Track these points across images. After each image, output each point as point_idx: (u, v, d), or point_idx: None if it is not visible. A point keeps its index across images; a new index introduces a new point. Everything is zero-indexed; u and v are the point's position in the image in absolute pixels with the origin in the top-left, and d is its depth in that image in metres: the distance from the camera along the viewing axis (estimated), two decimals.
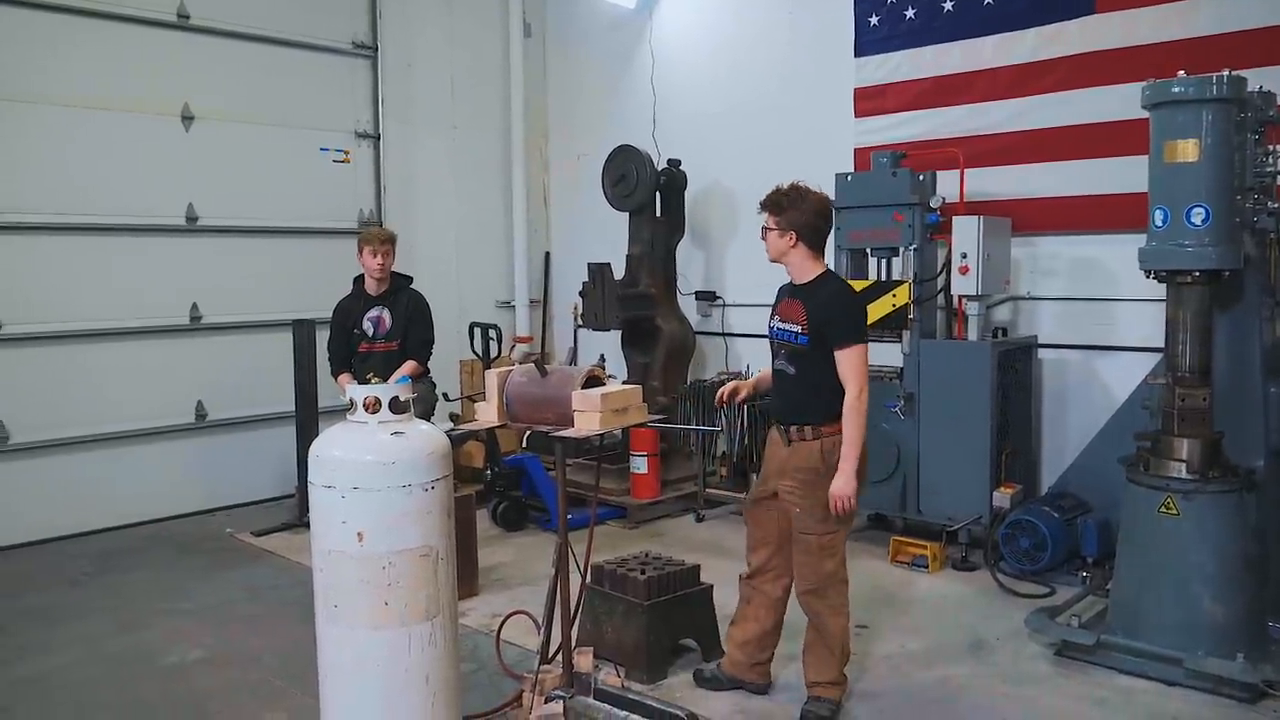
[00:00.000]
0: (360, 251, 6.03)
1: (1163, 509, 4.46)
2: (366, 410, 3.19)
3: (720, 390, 4.32)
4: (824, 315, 3.93)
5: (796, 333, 3.98)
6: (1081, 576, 5.48)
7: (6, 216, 6.64)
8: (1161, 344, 4.96)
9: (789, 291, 4.12)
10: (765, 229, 4.05)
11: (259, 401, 7.73)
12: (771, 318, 4.15)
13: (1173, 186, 4.44)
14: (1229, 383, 4.76)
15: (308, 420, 7.01)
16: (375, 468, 3.07)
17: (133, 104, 7.14)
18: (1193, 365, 4.54)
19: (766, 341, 4.22)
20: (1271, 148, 4.65)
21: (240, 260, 7.73)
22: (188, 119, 7.42)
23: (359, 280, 6.19)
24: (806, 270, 4.05)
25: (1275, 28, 5.49)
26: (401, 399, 3.24)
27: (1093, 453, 5.76)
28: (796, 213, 3.98)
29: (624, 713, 3.58)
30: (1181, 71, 4.44)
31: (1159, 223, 4.48)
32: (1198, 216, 4.36)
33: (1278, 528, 4.81)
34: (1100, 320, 6.29)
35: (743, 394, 4.30)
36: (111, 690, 4.52)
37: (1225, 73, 4.33)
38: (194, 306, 7.52)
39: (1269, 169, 4.63)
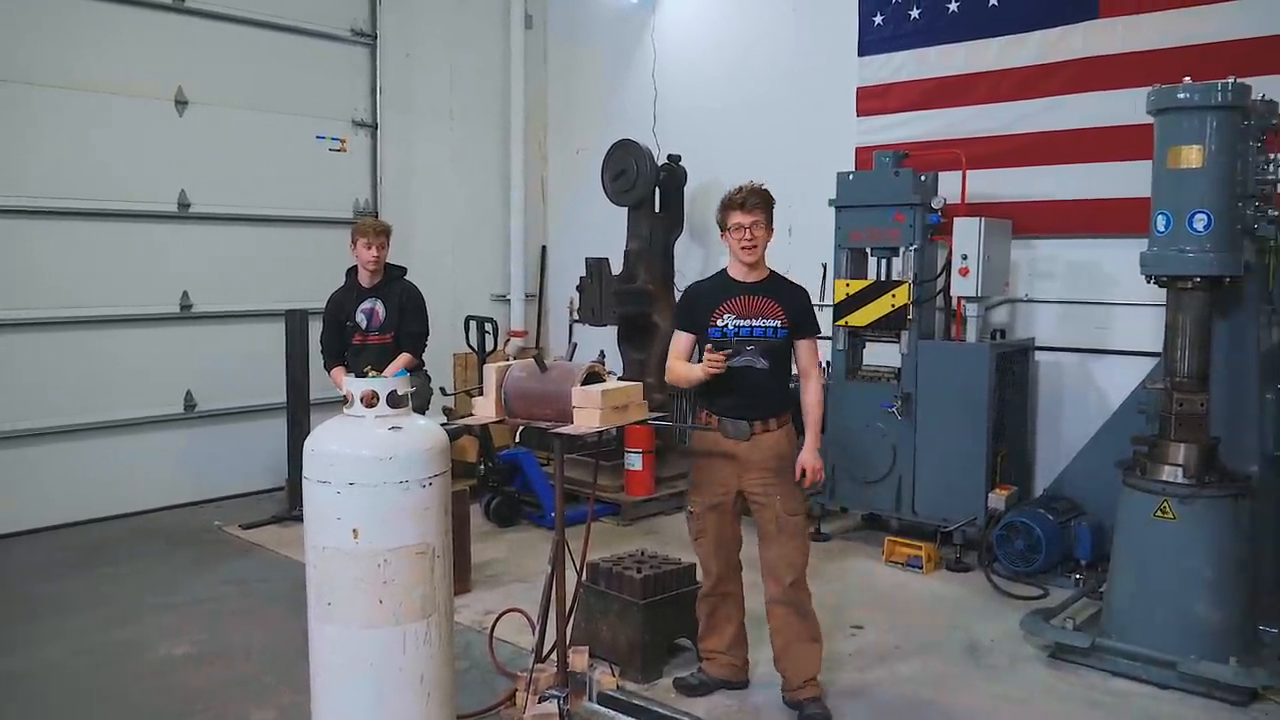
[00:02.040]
0: (354, 243, 5.96)
1: (1159, 513, 4.47)
2: (364, 404, 3.14)
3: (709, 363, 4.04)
4: (799, 308, 4.14)
5: (776, 327, 4.08)
6: (1075, 579, 5.48)
7: None
8: (1157, 349, 4.96)
9: (743, 289, 4.13)
10: (756, 226, 4.05)
11: (249, 392, 7.67)
12: (718, 317, 4.09)
13: (1176, 192, 4.44)
14: (1226, 388, 4.76)
15: (299, 412, 6.96)
16: (372, 463, 3.03)
17: (124, 87, 7.06)
18: (1191, 370, 4.54)
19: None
20: (1272, 155, 4.65)
21: (233, 248, 7.66)
22: (181, 103, 7.35)
23: (352, 272, 6.12)
24: (765, 267, 4.21)
25: (1278, 36, 5.48)
26: (399, 393, 3.20)
27: (1088, 456, 5.76)
28: (773, 210, 4.15)
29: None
30: (1187, 78, 4.43)
31: (1161, 228, 4.48)
32: (1200, 222, 4.36)
33: (1270, 532, 4.83)
34: (1097, 324, 6.29)
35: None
36: (98, 685, 4.46)
37: (1230, 80, 4.33)
38: (184, 295, 7.44)
39: (1270, 176, 4.62)
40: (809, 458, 4.08)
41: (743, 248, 4.08)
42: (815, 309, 4.28)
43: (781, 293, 4.15)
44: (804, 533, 4.17)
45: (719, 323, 4.10)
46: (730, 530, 4.22)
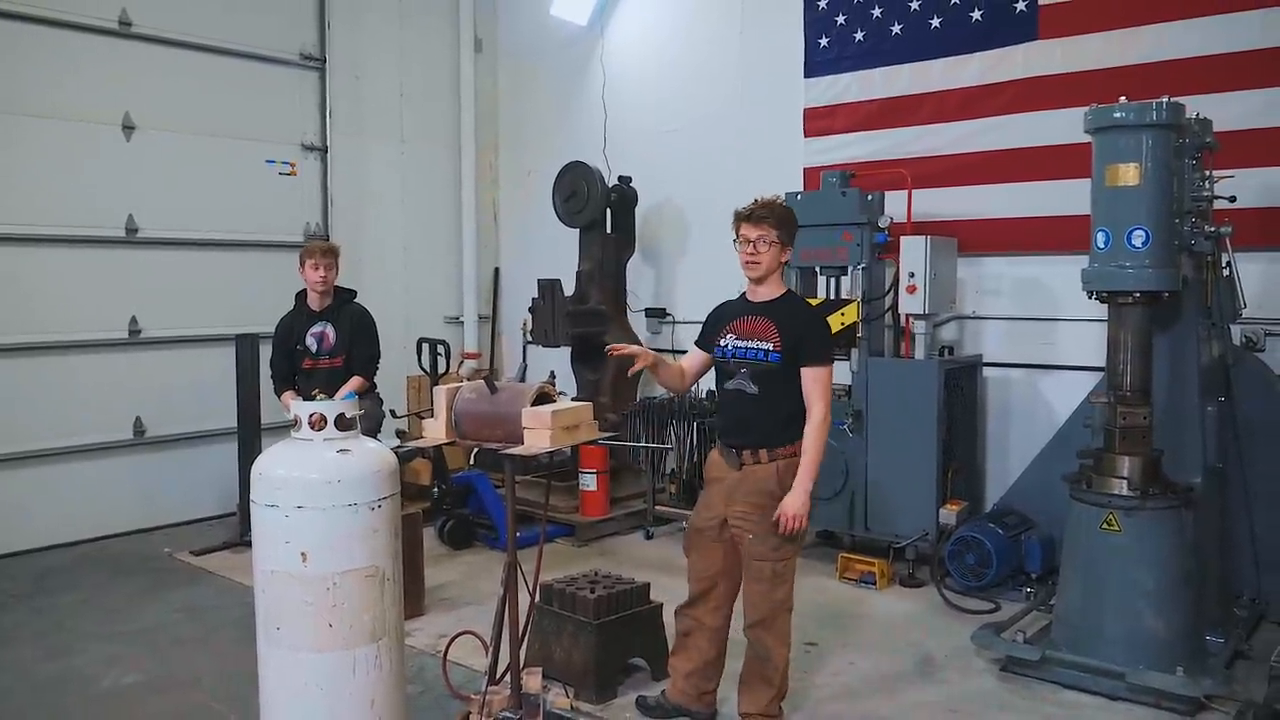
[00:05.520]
0: (302, 265, 5.92)
1: (1105, 526, 4.53)
2: (311, 427, 3.13)
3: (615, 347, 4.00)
4: (799, 334, 3.86)
5: (767, 350, 3.86)
6: (1025, 592, 5.55)
7: None
8: (1101, 363, 5.06)
9: (748, 309, 3.98)
10: (761, 241, 3.85)
11: (200, 418, 7.57)
12: (721, 336, 3.99)
13: (1114, 209, 4.53)
14: (1167, 401, 4.86)
15: (250, 437, 6.88)
16: (320, 486, 3.02)
17: (71, 112, 6.97)
18: (1134, 384, 4.62)
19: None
20: (1207, 172, 4.77)
21: (182, 273, 7.57)
22: (129, 128, 7.26)
23: (301, 295, 6.09)
24: (777, 287, 3.99)
25: (1211, 56, 5.65)
26: (347, 415, 3.19)
27: (1036, 470, 5.85)
28: (793, 228, 3.95)
29: None
30: (1123, 97, 4.54)
31: (1101, 244, 4.57)
32: (1138, 239, 4.45)
33: (1214, 543, 4.92)
34: (1042, 339, 6.40)
35: (638, 365, 3.96)
36: (44, 717, 4.35)
37: (1165, 99, 4.43)
38: (133, 320, 7.34)
39: (1205, 193, 4.74)
40: (791, 502, 3.73)
41: (745, 262, 3.91)
42: (830, 337, 3.94)
43: (782, 315, 3.89)
44: (774, 578, 3.86)
45: (722, 342, 3.98)
46: (712, 557, 4.01)
